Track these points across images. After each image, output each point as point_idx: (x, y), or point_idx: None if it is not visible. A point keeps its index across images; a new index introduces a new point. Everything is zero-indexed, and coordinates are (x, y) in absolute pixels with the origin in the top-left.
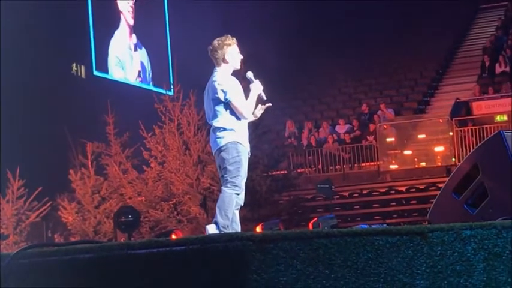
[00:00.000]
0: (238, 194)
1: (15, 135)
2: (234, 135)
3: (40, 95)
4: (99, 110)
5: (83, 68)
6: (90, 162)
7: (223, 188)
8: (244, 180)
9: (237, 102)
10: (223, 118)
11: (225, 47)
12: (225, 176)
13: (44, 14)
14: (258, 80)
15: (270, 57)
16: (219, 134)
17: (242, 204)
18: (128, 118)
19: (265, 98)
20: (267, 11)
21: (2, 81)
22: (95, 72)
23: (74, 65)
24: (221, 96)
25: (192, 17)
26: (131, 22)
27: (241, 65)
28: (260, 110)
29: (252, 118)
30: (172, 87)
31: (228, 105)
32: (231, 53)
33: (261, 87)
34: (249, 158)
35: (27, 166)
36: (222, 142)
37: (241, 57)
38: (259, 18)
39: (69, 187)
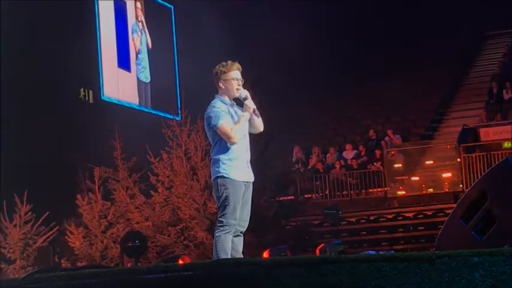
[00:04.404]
0: (229, 233)
1: (23, 159)
2: (223, 168)
3: (48, 120)
4: (107, 134)
5: (90, 92)
6: (97, 187)
7: (215, 230)
8: (248, 214)
9: (221, 127)
10: (215, 149)
11: (219, 72)
12: (218, 213)
13: (53, 37)
14: (249, 100)
15: (278, 83)
16: (211, 167)
17: (243, 231)
18: (135, 143)
19: (258, 117)
20: (274, 37)
21: (10, 105)
22: (103, 97)
23: (82, 89)
24: (207, 124)
25: (199, 42)
26: (139, 46)
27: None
28: (258, 120)
29: (239, 138)
30: (179, 112)
31: (217, 133)
32: (226, 79)
33: (252, 106)
34: (254, 183)
35: (34, 191)
36: (212, 177)
37: (240, 84)
38: (267, 44)
39: (77, 212)
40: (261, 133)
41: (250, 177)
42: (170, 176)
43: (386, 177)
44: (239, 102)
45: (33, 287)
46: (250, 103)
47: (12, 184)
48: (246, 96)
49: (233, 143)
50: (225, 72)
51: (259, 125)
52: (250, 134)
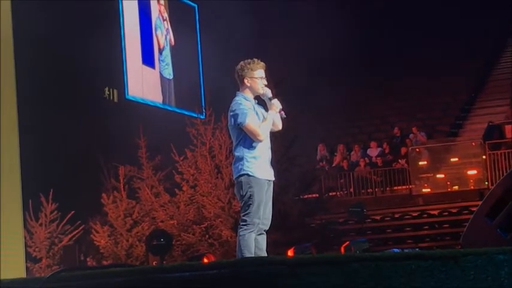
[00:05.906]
0: (252, 232)
1: (48, 159)
2: (247, 166)
3: (73, 119)
4: (131, 133)
5: (115, 91)
6: (122, 186)
7: (238, 229)
8: (270, 212)
9: (248, 125)
10: (239, 146)
11: (245, 69)
12: (240, 212)
13: (78, 37)
14: (276, 99)
15: (302, 80)
16: (233, 165)
17: (266, 229)
18: (159, 141)
19: (284, 116)
20: (298, 34)
21: (35, 105)
22: (128, 96)
23: (107, 89)
24: (233, 121)
25: (223, 41)
26: (163, 43)
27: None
28: (278, 119)
29: (265, 136)
30: (204, 110)
31: (242, 131)
32: (252, 77)
33: (279, 106)
34: (278, 182)
35: (60, 190)
36: (235, 175)
37: (265, 82)
38: (292, 42)
39: (102, 210)
40: (285, 131)
41: (272, 175)
42: (195, 174)
43: (411, 175)
44: (259, 101)
45: (59, 286)
46: (277, 102)
47: (38, 183)
48: (272, 95)
49: (260, 141)
50: (251, 70)
51: (279, 123)
52: (272, 132)
